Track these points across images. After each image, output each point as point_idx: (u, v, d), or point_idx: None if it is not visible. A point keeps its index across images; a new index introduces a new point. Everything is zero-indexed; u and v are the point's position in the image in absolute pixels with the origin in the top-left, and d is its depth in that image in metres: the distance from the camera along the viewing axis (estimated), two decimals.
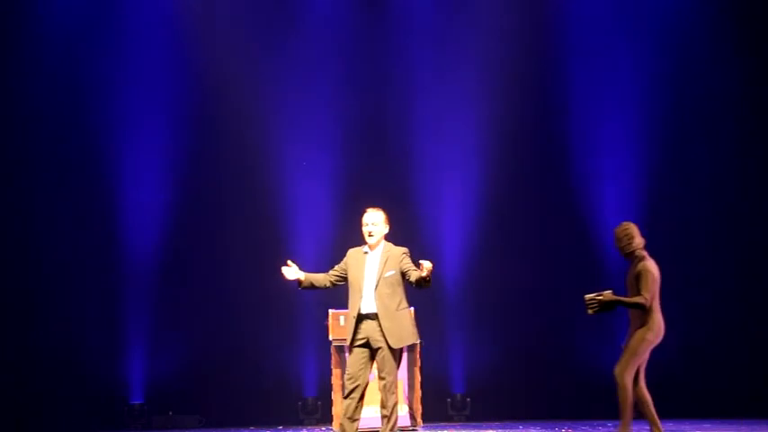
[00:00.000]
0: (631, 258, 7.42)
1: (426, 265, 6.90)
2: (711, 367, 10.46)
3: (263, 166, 10.59)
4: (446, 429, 9.85)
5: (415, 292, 7.09)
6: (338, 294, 7.29)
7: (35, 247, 10.54)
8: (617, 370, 7.36)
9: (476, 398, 10.67)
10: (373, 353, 7.05)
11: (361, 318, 7.08)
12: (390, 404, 6.95)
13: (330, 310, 8.93)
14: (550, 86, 11.03)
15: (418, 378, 9.55)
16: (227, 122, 10.72)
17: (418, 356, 9.58)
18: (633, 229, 7.48)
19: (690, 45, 10.92)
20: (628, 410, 7.37)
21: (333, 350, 9.23)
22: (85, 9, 10.70)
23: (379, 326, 7.04)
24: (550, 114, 11.00)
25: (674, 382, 10.38)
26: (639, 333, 7.32)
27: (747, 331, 10.52)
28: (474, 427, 10.02)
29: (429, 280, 6.92)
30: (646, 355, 7.37)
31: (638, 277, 7.30)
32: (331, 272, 7.27)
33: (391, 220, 7.07)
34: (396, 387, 7.04)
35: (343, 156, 10.75)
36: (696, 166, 10.89)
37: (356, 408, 7.03)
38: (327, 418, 9.63)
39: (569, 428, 9.26)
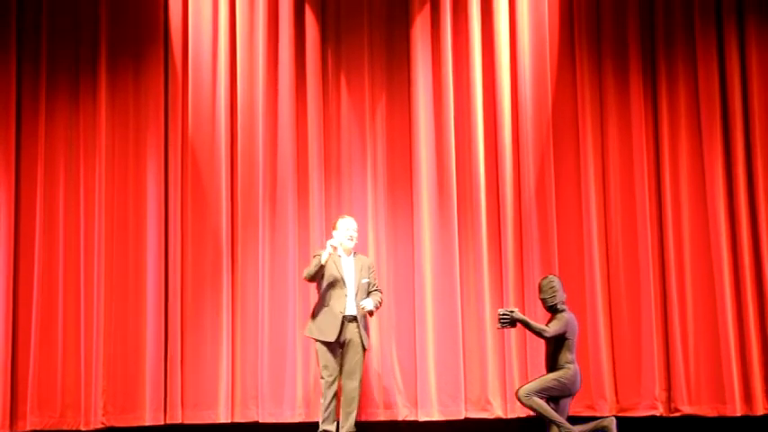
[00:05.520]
0: (552, 312, 7.76)
1: (368, 307, 7.80)
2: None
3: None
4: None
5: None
6: None
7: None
8: (521, 393, 7.64)
9: None
10: (344, 353, 7.65)
11: (345, 318, 7.66)
12: (356, 402, 7.74)
13: None
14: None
15: None
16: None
17: None
18: (557, 283, 7.79)
19: None
20: (550, 413, 7.61)
21: None
22: None
23: (358, 328, 7.65)
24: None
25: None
26: (555, 373, 7.68)
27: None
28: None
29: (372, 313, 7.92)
30: (563, 401, 7.77)
31: (552, 319, 7.78)
32: None
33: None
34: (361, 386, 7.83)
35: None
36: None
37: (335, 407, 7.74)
38: None
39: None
